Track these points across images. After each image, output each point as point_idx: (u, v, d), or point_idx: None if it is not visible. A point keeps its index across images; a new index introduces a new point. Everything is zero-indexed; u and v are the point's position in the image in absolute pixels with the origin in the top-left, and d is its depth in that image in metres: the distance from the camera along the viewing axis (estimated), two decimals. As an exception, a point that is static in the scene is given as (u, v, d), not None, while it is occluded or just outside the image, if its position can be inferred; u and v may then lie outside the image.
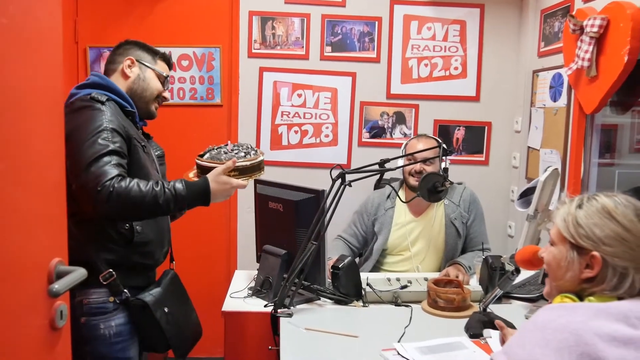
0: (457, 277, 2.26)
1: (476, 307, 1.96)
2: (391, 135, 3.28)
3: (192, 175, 1.94)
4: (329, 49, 3.22)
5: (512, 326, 1.64)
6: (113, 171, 1.62)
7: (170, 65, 2.03)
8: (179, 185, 1.72)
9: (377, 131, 3.28)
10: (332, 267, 2.09)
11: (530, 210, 2.02)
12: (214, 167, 1.83)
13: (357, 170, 2.07)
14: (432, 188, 2.24)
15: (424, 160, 2.50)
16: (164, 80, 1.97)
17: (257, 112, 3.25)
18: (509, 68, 3.27)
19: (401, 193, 2.69)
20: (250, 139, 3.23)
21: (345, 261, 2.08)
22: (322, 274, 2.10)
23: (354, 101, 3.26)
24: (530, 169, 3.06)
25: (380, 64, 3.24)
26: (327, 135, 3.28)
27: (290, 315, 1.91)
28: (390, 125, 3.28)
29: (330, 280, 2.13)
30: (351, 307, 2.05)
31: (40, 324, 1.06)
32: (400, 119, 3.27)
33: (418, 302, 2.08)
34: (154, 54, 1.97)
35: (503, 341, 1.47)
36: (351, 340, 1.74)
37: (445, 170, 2.25)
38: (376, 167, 2.09)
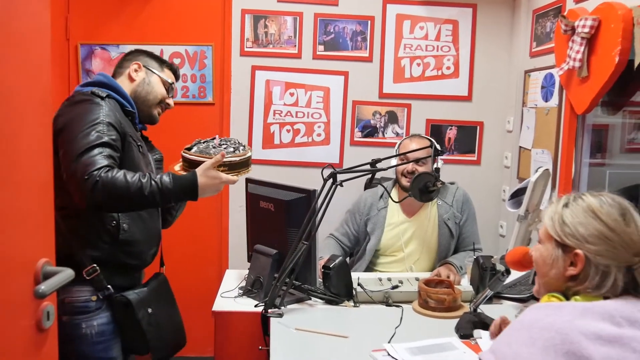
0: (448, 277, 2.26)
1: (467, 308, 1.96)
2: (383, 134, 3.28)
3: (177, 168, 1.91)
4: (321, 47, 3.21)
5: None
6: (102, 161, 1.62)
7: (177, 76, 2.05)
8: (165, 178, 1.71)
9: (370, 130, 3.28)
10: (323, 267, 2.09)
11: (521, 210, 2.02)
12: (202, 162, 1.80)
13: (348, 170, 2.07)
14: (423, 188, 2.25)
15: (417, 161, 2.50)
16: (168, 86, 1.99)
17: (249, 111, 3.24)
18: (501, 68, 3.28)
19: (393, 193, 2.69)
20: (242, 137, 3.21)
21: (337, 261, 2.08)
22: (313, 273, 2.10)
23: (346, 100, 3.25)
24: (522, 169, 3.07)
25: (373, 63, 3.24)
26: (319, 135, 3.27)
27: (280, 315, 1.90)
28: (382, 124, 3.27)
29: (321, 280, 2.13)
30: (342, 307, 2.05)
31: (26, 325, 1.05)
32: (392, 118, 3.27)
33: (409, 302, 2.08)
34: (162, 62, 2.00)
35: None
36: (341, 341, 1.74)
37: (437, 170, 2.25)
38: (367, 166, 2.08)
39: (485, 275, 2.08)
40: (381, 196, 2.68)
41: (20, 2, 1.06)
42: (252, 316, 1.97)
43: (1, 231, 0.98)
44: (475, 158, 3.33)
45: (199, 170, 1.77)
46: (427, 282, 2.07)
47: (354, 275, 2.19)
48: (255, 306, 2.01)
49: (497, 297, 2.13)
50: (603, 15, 2.19)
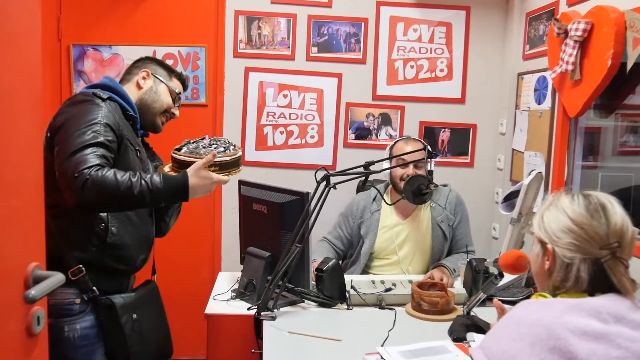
0: (441, 279, 2.26)
1: (460, 310, 1.96)
2: (377, 136, 3.28)
3: (167, 169, 1.90)
4: (315, 49, 3.21)
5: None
6: (94, 160, 1.61)
7: (185, 86, 2.05)
8: (156, 178, 1.69)
9: (363, 132, 3.28)
10: (317, 269, 2.08)
11: (514, 213, 2.02)
12: (192, 162, 1.79)
13: (341, 173, 2.07)
14: (416, 190, 2.25)
15: (415, 164, 2.49)
16: (175, 96, 1.98)
17: (243, 113, 3.23)
18: (494, 70, 3.28)
19: (386, 196, 2.69)
20: (235, 139, 3.20)
21: (330, 264, 2.07)
22: (306, 276, 2.10)
23: (339, 102, 3.25)
24: (515, 171, 3.08)
25: (366, 65, 3.24)
26: (312, 136, 3.27)
27: (273, 318, 1.89)
28: (375, 126, 3.27)
29: (314, 283, 2.12)
30: (335, 310, 2.04)
31: (16, 330, 1.03)
32: (385, 120, 3.27)
33: (402, 304, 2.08)
34: (171, 72, 2.00)
35: None
36: (335, 344, 1.73)
37: (430, 172, 2.25)
38: (361, 169, 2.08)
39: (478, 277, 2.09)
40: (374, 199, 2.68)
41: (12, 7, 1.05)
42: (245, 319, 1.96)
43: (-9, 235, 0.97)
44: (468, 160, 3.33)
45: (189, 171, 1.76)
46: (421, 285, 2.07)
47: (347, 277, 2.19)
48: (248, 309, 2.00)
49: (489, 299, 2.13)
50: (596, 19, 2.20)
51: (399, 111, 3.27)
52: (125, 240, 1.79)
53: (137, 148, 1.83)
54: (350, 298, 2.08)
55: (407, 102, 3.27)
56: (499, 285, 2.01)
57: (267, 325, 1.85)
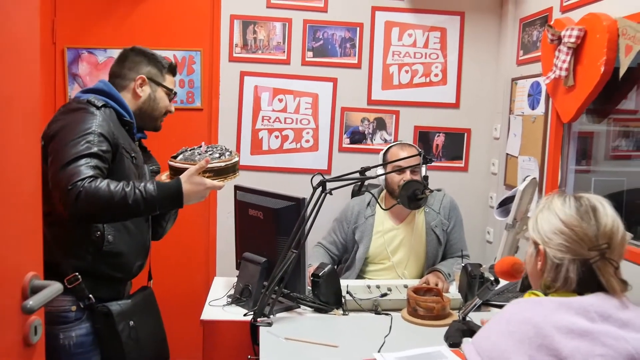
0: (436, 284, 2.27)
1: (456, 316, 1.97)
2: (372, 141, 3.29)
3: (164, 178, 1.90)
4: (310, 54, 3.21)
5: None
6: (87, 172, 1.60)
7: (175, 73, 2.03)
8: (149, 186, 1.69)
9: (358, 137, 3.29)
10: (312, 275, 2.08)
11: (509, 219, 2.04)
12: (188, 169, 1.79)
13: (338, 178, 2.07)
14: (412, 195, 2.26)
15: (412, 170, 2.50)
16: (171, 95, 1.99)
17: (238, 117, 3.23)
18: (488, 75, 3.30)
19: (380, 201, 2.69)
20: (230, 143, 3.20)
21: (326, 269, 2.08)
22: (302, 281, 2.10)
23: (334, 107, 3.26)
24: (509, 176, 3.09)
25: (362, 69, 3.24)
26: (307, 141, 3.27)
27: (270, 324, 1.89)
28: (370, 131, 3.28)
29: (310, 288, 2.12)
30: (331, 315, 2.05)
31: (13, 341, 1.03)
32: (380, 125, 3.28)
33: (398, 310, 2.08)
34: (161, 67, 1.97)
35: None
36: (331, 350, 1.74)
37: (426, 178, 2.26)
38: (357, 175, 2.09)
39: (474, 283, 2.09)
40: (368, 204, 2.68)
41: (10, 12, 1.05)
42: (241, 325, 1.96)
43: (-12, 245, 0.97)
44: (462, 165, 3.35)
45: (183, 177, 1.76)
46: (416, 290, 2.08)
47: (343, 283, 2.19)
48: (245, 315, 2.00)
49: (485, 304, 2.14)
50: (589, 26, 2.22)
51: (394, 116, 3.28)
52: (121, 248, 1.79)
53: (132, 155, 1.83)
54: (346, 303, 2.09)
55: (402, 107, 3.28)
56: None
57: (263, 331, 1.85)
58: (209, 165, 1.80)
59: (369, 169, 2.11)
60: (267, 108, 3.24)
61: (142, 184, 1.68)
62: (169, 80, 1.98)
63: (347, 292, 2.13)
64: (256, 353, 1.82)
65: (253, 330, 1.89)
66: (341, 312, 2.06)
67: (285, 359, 1.69)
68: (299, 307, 2.09)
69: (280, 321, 1.94)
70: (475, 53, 3.28)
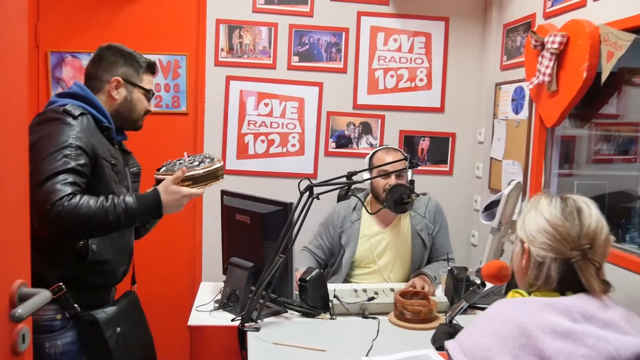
0: (423, 288, 2.29)
1: (442, 319, 1.98)
2: (357, 145, 3.31)
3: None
4: (296, 58, 3.22)
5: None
6: (65, 189, 1.58)
7: (154, 71, 1.97)
8: (129, 199, 1.70)
9: (344, 141, 3.30)
10: (300, 279, 2.09)
11: (494, 223, 2.06)
12: None
13: (324, 183, 2.08)
14: (398, 200, 2.27)
15: (398, 174, 2.51)
16: (149, 96, 1.94)
17: (224, 121, 3.22)
18: (472, 80, 3.34)
19: (366, 205, 2.70)
20: (216, 147, 3.20)
21: (313, 273, 2.08)
22: (290, 286, 2.10)
23: (320, 111, 3.27)
24: (493, 179, 3.13)
25: (347, 74, 3.26)
26: (293, 145, 3.28)
27: (257, 329, 1.89)
28: (356, 135, 3.30)
29: (297, 293, 2.13)
30: (319, 319, 2.05)
31: (1, 349, 1.02)
32: (366, 129, 3.30)
33: (385, 313, 2.09)
34: (138, 66, 1.90)
35: None
36: (319, 355, 1.74)
37: (412, 182, 2.28)
38: (343, 179, 2.10)
39: (460, 286, 2.11)
40: (354, 208, 2.69)
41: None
42: (229, 330, 1.96)
43: (-25, 252, 0.96)
44: (447, 169, 3.38)
45: (160, 187, 1.77)
46: (403, 294, 2.09)
47: (330, 287, 2.20)
48: (232, 320, 2.00)
49: (471, 307, 2.16)
50: (571, 32, 2.26)
51: (380, 120, 3.30)
52: (106, 255, 1.78)
53: (112, 162, 1.80)
54: (333, 307, 2.09)
55: (388, 111, 3.30)
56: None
57: (251, 336, 1.85)
58: (188, 174, 1.82)
59: (355, 173, 2.12)
60: (253, 112, 3.24)
61: (122, 198, 1.69)
62: (146, 81, 1.92)
63: (335, 296, 2.13)
64: (244, 358, 1.82)
65: (241, 336, 1.89)
66: (329, 316, 2.07)
67: (273, 364, 1.69)
68: (287, 311, 2.09)
69: (268, 326, 1.94)
70: (460, 58, 3.32)
